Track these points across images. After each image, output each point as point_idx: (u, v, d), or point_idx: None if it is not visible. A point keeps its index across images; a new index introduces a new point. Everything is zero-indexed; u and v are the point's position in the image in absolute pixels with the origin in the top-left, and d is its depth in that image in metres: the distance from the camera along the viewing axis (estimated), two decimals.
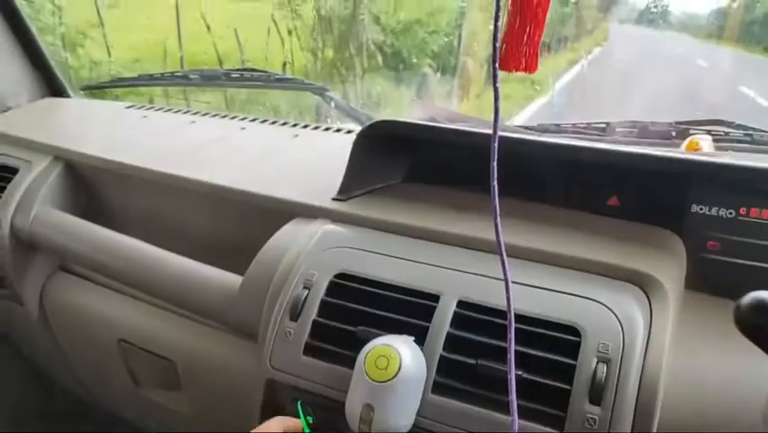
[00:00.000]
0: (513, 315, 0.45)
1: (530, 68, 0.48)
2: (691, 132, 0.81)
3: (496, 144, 0.44)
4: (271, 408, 0.60)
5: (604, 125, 0.87)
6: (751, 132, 0.78)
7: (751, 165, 0.56)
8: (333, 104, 1.01)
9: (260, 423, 0.61)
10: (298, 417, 0.56)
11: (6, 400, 1.11)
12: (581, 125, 0.89)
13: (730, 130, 0.79)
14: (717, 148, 0.76)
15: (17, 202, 0.85)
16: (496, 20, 0.45)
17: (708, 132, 0.80)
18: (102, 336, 0.84)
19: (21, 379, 1.11)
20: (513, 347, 0.44)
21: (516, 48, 0.48)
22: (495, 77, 0.46)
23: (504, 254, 0.45)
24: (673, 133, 0.83)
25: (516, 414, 0.44)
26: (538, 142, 0.64)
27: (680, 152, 0.71)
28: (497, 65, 0.45)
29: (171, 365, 0.78)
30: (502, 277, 0.56)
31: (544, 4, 0.47)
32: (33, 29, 1.09)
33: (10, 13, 1.06)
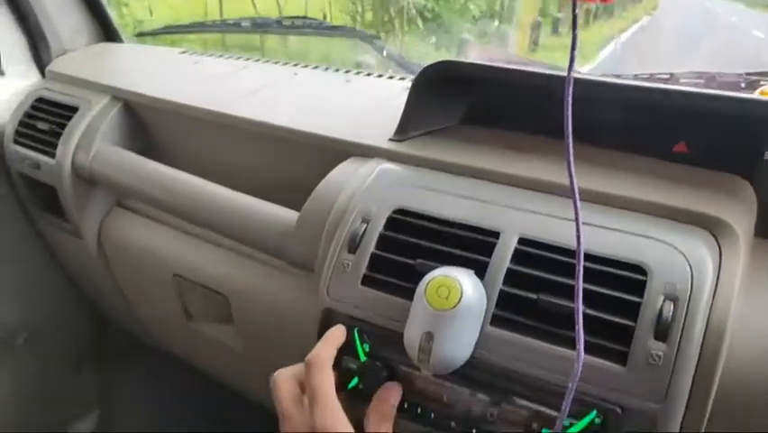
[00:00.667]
0: (582, 242, 0.44)
1: None
2: (762, 82, 0.77)
3: (571, 84, 0.43)
4: None
5: (668, 76, 0.84)
6: None
7: None
8: (384, 53, 1.00)
9: None
10: (355, 345, 0.57)
11: (65, 336, 1.16)
12: (644, 76, 0.86)
13: None
14: None
15: (78, 139, 0.88)
16: None
17: None
18: (157, 271, 0.86)
19: (79, 316, 1.16)
20: (581, 283, 0.44)
21: None
22: (574, 6, 0.44)
23: (576, 194, 0.44)
24: (742, 85, 0.79)
25: (582, 343, 0.44)
26: (605, 83, 0.62)
27: (755, 95, 0.68)
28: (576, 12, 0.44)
29: (224, 300, 0.80)
30: (565, 217, 0.56)
31: None
32: None
33: None
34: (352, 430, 0.48)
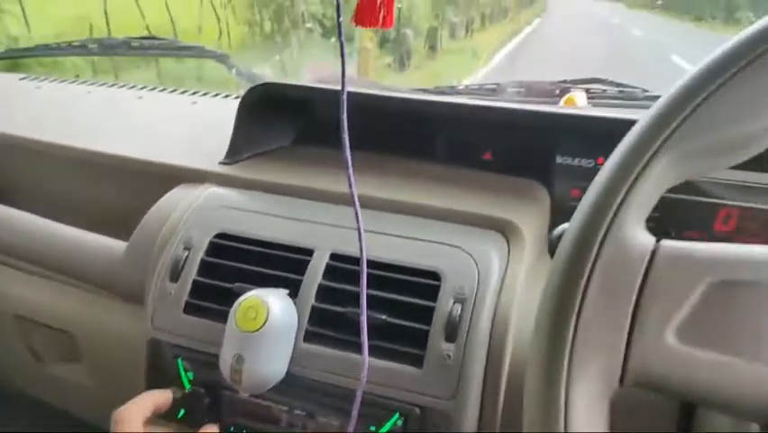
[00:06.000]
0: (366, 261, 0.48)
1: (386, 23, 0.49)
2: (572, 90, 0.85)
3: (344, 98, 0.46)
4: (155, 368, 0.61)
5: (495, 86, 0.91)
6: (623, 88, 0.83)
7: (600, 115, 0.60)
8: (234, 71, 1.01)
9: (146, 384, 0.62)
10: (179, 375, 0.58)
11: None
12: (474, 86, 0.92)
13: (606, 87, 0.84)
14: (593, 104, 0.81)
15: None
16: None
17: (587, 89, 0.84)
18: None
19: None
20: (365, 291, 0.47)
21: (372, 4, 0.49)
22: (339, 31, 0.47)
23: (357, 205, 0.48)
24: (557, 92, 0.87)
25: (366, 352, 0.47)
26: (413, 99, 0.66)
27: (546, 106, 0.75)
28: (340, 19, 0.47)
29: (70, 337, 0.77)
30: (377, 230, 0.59)
31: None
32: None
33: None
34: None
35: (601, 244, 0.30)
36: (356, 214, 0.48)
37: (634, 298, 0.30)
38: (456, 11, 9.82)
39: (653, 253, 0.30)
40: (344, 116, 0.46)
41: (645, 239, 0.31)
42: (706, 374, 0.29)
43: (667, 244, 0.31)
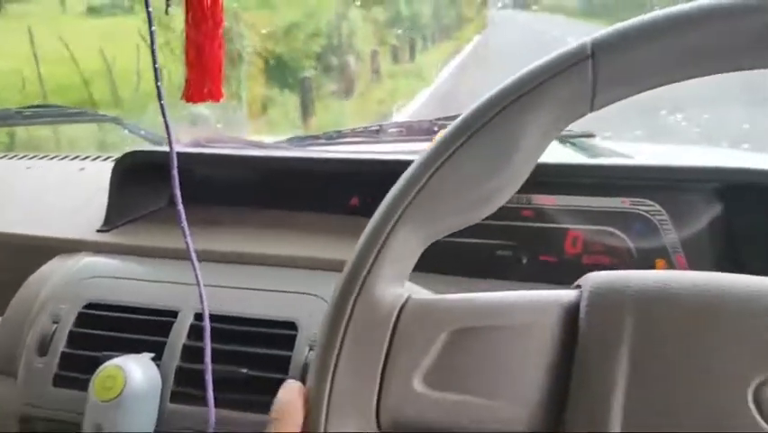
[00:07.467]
0: (208, 315, 0.51)
1: (215, 96, 0.52)
2: (448, 125, 0.90)
3: (175, 161, 0.49)
4: None
5: (377, 128, 0.95)
6: None
7: None
8: (126, 131, 1.02)
9: None
10: None
11: None
12: (359, 130, 0.96)
13: None
14: None
15: None
16: (152, 43, 0.48)
17: None
18: None
19: None
20: (209, 346, 0.50)
21: (200, 84, 0.52)
22: (159, 94, 0.49)
23: (195, 261, 0.50)
24: (435, 129, 0.92)
25: (212, 407, 0.50)
26: (257, 157, 0.70)
27: (395, 152, 0.79)
28: (159, 84, 0.49)
29: None
30: (240, 286, 0.62)
31: (218, 41, 0.51)
32: None
33: None
34: None
35: (354, 304, 0.34)
36: (195, 270, 0.51)
37: (384, 349, 0.33)
38: (397, 34, 10.03)
39: (402, 308, 0.34)
40: (175, 172, 0.49)
41: (395, 296, 0.34)
42: (449, 414, 0.32)
43: (414, 299, 0.34)
